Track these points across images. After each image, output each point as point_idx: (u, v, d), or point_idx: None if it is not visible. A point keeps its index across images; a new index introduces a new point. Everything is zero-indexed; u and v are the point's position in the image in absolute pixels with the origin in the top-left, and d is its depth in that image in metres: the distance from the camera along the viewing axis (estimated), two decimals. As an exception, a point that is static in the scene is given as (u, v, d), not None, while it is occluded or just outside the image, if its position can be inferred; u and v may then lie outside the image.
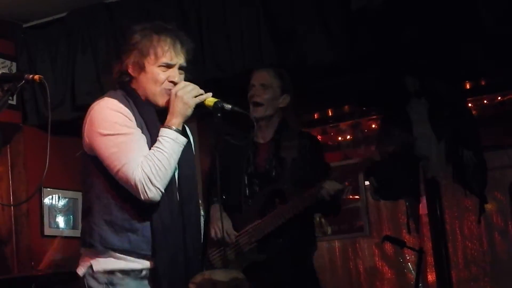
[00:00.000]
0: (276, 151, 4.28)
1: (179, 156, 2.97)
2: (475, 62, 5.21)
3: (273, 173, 4.26)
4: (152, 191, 2.87)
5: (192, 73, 3.14)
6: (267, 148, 4.31)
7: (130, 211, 2.95)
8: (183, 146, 2.98)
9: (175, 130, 2.94)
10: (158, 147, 2.92)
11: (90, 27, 5.55)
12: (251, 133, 4.35)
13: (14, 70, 5.72)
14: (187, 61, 3.09)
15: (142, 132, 2.98)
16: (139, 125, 2.99)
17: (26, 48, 5.80)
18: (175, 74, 3.03)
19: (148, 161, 2.88)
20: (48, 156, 2.85)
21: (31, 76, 2.84)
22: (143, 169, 2.86)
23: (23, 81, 2.85)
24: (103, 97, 3.03)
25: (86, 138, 3.00)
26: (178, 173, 3.07)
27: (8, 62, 5.76)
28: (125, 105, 2.98)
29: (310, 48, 4.81)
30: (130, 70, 3.06)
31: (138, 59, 3.03)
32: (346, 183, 4.52)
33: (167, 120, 2.97)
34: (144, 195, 2.87)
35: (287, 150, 4.28)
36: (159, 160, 2.88)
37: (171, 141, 2.93)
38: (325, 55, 4.78)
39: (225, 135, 3.16)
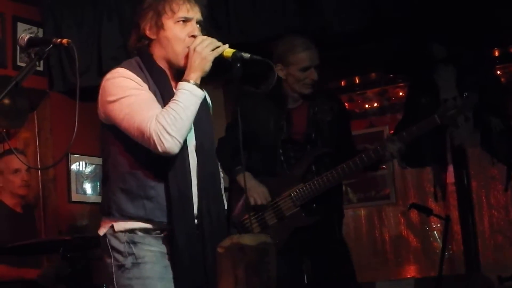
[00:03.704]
0: (312, 114, 4.24)
1: (197, 109, 2.91)
2: (504, 29, 5.15)
3: (313, 136, 4.21)
4: (169, 140, 2.81)
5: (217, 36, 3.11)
6: (302, 112, 4.25)
7: (145, 179, 2.93)
8: (200, 100, 2.93)
9: (192, 84, 2.90)
10: (174, 99, 2.88)
11: (116, -7, 5.55)
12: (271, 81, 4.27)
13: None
14: (205, 18, 3.06)
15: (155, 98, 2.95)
16: (152, 91, 2.96)
17: (52, 14, 5.80)
18: (194, 28, 2.99)
19: (163, 113, 2.84)
20: (76, 123, 2.82)
21: (59, 40, 2.82)
22: (158, 121, 2.82)
23: (51, 45, 2.83)
24: (115, 67, 3.00)
25: (100, 109, 2.99)
26: (196, 138, 3.05)
27: (34, 29, 5.79)
28: (137, 73, 2.95)
29: (334, 15, 4.78)
30: (148, 33, 3.02)
31: (155, 19, 3.00)
32: None
33: (185, 75, 2.93)
34: (161, 146, 2.81)
35: (322, 112, 4.24)
36: (174, 110, 2.84)
37: (188, 93, 2.88)
38: (349, 22, 4.75)
39: (245, 85, 3.08)
